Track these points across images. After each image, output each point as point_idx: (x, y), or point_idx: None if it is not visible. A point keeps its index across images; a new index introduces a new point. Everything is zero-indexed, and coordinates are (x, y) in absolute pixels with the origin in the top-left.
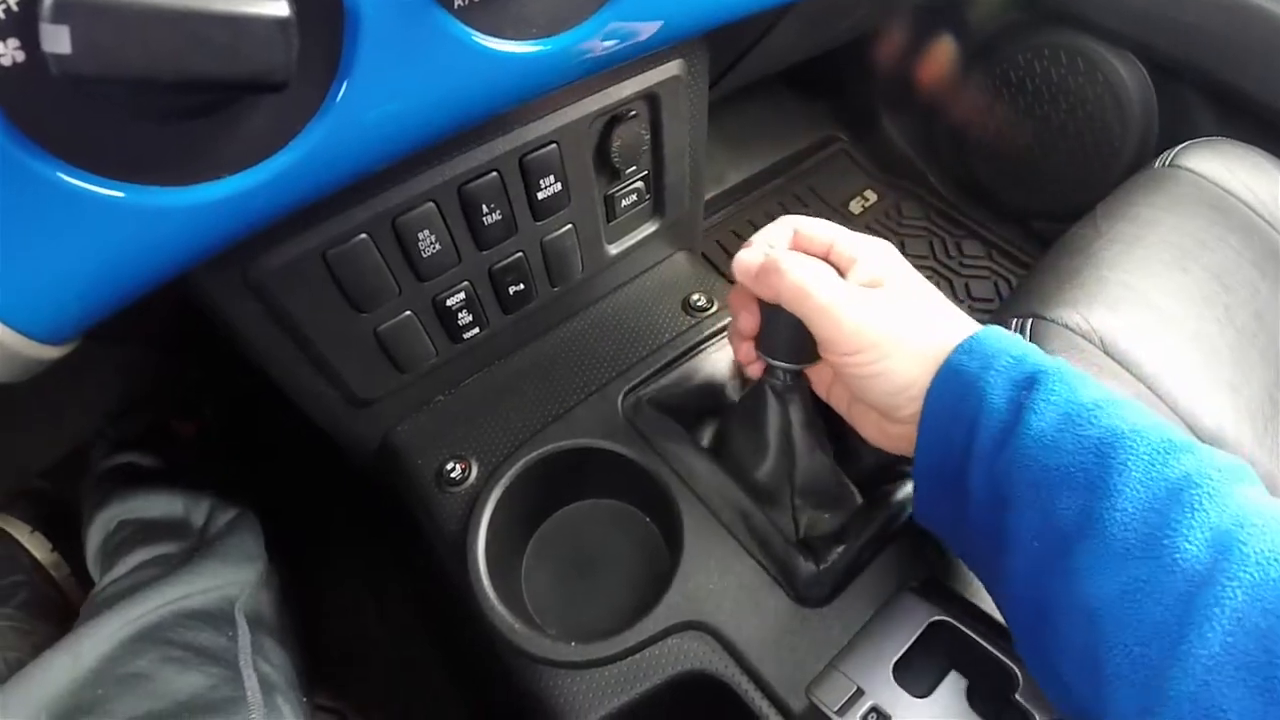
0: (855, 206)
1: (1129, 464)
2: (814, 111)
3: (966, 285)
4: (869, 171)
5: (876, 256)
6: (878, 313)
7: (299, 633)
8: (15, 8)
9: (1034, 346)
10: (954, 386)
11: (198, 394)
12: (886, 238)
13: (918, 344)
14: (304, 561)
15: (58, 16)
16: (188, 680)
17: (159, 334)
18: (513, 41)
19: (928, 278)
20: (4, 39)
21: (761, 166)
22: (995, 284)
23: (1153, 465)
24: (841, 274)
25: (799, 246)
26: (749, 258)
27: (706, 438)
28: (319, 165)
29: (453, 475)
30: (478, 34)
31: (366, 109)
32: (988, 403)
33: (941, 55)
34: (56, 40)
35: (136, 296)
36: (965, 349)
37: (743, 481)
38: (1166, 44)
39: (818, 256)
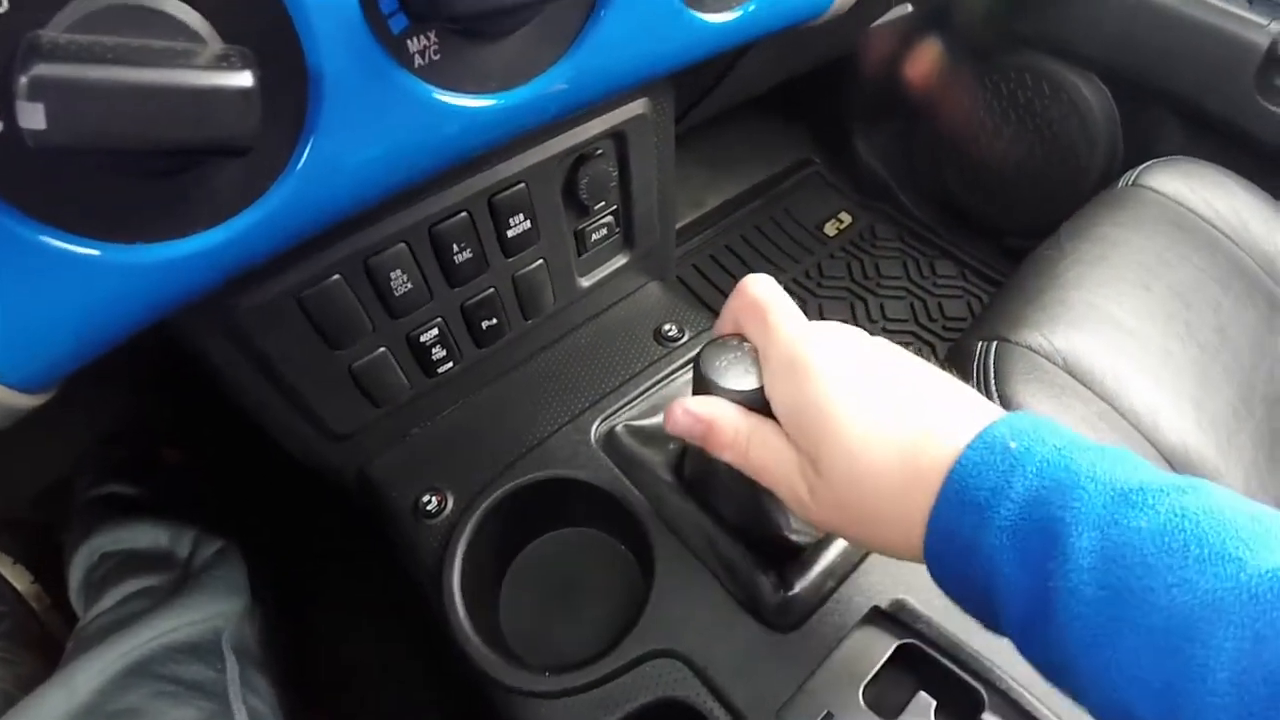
0: (830, 229)
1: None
2: (789, 134)
3: (940, 305)
4: (843, 194)
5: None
6: (825, 495)
7: (285, 662)
8: None
9: (1032, 446)
10: (950, 559)
11: (185, 421)
12: (861, 260)
13: (892, 508)
14: (291, 586)
15: (33, 95)
16: (180, 714)
17: (140, 370)
18: (472, 96)
19: (901, 299)
20: None
21: (738, 190)
22: (968, 303)
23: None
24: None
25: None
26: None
27: (676, 466)
28: (289, 218)
29: (429, 508)
30: (438, 90)
31: (332, 164)
32: (1002, 584)
33: (912, 78)
34: (32, 117)
35: (112, 346)
36: (953, 496)
37: (710, 511)
38: (1129, 66)
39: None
